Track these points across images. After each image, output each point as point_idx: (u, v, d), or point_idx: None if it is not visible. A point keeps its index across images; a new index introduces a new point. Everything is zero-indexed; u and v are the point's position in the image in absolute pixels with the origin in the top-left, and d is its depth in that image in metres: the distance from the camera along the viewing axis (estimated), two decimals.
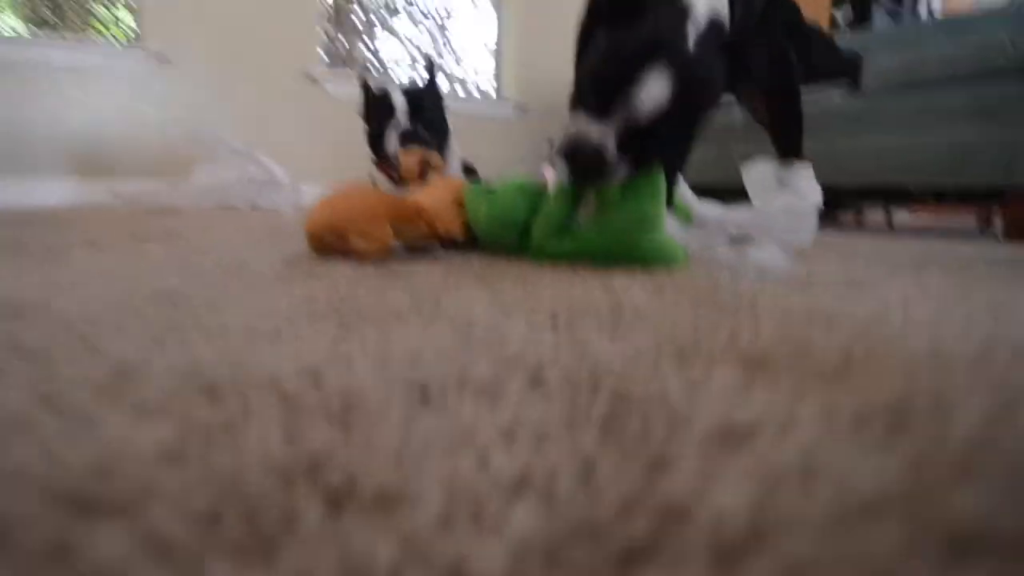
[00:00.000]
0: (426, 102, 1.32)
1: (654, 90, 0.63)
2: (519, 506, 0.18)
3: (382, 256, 0.75)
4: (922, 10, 3.38)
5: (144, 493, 0.18)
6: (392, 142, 1.27)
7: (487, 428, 0.23)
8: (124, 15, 2.32)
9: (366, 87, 1.36)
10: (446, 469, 0.20)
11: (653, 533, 0.16)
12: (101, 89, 2.10)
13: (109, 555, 0.15)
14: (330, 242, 0.76)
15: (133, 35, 2.24)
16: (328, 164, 2.37)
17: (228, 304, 0.45)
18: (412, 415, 0.24)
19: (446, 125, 1.39)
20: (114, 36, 2.25)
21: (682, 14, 0.65)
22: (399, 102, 1.28)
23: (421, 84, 1.40)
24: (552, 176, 0.76)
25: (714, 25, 0.66)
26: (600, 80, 0.65)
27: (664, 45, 0.63)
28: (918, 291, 0.62)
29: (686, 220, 0.87)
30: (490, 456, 0.21)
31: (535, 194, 0.78)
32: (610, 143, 0.65)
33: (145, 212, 1.53)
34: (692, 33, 0.64)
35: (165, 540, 0.16)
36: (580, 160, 0.66)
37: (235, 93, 2.30)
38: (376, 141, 1.31)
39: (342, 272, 0.63)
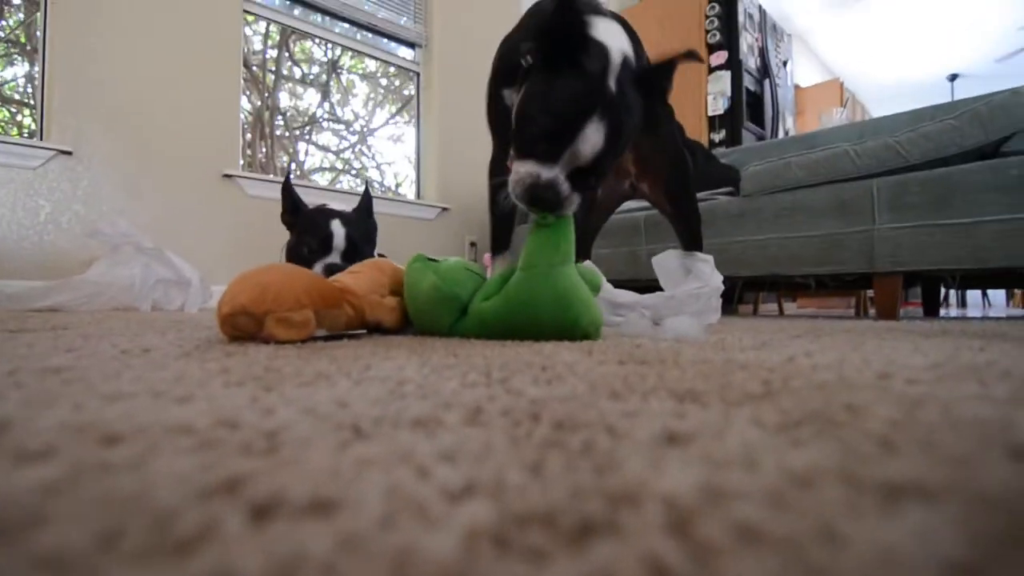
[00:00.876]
0: (361, 236, 1.24)
1: (593, 138, 0.73)
2: (467, 505, 0.17)
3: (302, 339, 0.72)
4: (780, 133, 4.03)
5: (30, 520, 0.15)
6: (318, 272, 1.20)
7: (426, 451, 0.22)
8: (27, 119, 2.24)
9: (292, 191, 1.30)
10: (385, 482, 0.18)
11: (607, 512, 0.16)
12: None
13: None
14: (245, 326, 0.72)
15: (31, 135, 2.15)
16: (243, 266, 2.28)
17: (129, 376, 0.41)
18: (344, 443, 0.23)
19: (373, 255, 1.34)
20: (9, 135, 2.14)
21: (603, 58, 0.74)
22: (339, 239, 1.20)
23: (356, 212, 1.31)
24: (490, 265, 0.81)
25: (626, 63, 0.76)
26: (548, 136, 0.74)
27: (596, 98, 0.73)
28: (818, 347, 0.67)
29: (594, 289, 0.91)
30: (431, 470, 0.20)
31: (478, 276, 0.81)
32: (562, 182, 0.75)
33: (25, 311, 1.38)
34: (612, 74, 0.74)
35: (58, 558, 0.13)
36: (539, 199, 0.75)
37: (145, 191, 2.21)
38: (300, 262, 1.23)
39: (261, 349, 0.60)
